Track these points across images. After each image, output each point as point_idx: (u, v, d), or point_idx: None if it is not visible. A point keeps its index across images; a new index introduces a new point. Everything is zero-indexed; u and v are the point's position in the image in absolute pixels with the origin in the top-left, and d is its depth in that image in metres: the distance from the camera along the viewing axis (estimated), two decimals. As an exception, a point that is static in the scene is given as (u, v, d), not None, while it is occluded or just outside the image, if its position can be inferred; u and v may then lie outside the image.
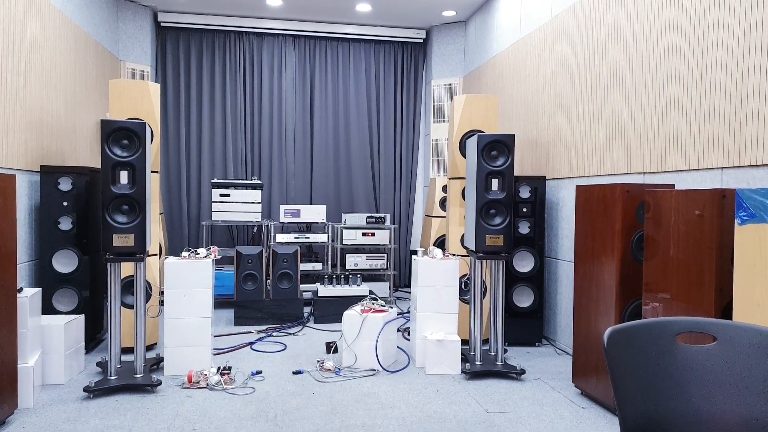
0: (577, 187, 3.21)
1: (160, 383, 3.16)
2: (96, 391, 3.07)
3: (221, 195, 5.65)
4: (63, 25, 4.38)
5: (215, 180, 5.71)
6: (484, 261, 4.02)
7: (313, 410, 2.94)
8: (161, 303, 4.02)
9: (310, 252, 6.05)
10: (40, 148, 3.99)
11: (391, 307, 3.86)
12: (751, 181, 2.55)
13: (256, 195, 5.72)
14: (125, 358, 3.74)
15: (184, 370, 3.45)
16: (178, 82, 6.36)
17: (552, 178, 4.35)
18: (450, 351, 3.58)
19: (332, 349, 3.98)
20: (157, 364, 3.56)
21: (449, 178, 4.31)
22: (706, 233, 2.28)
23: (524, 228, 4.19)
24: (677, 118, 3.02)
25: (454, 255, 4.19)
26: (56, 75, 4.26)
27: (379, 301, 3.90)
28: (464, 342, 4.19)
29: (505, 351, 4.09)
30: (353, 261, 5.76)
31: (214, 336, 4.40)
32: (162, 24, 6.18)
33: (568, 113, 4.12)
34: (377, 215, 5.89)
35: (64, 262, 3.76)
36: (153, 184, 3.99)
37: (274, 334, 4.55)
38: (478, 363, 3.57)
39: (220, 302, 5.55)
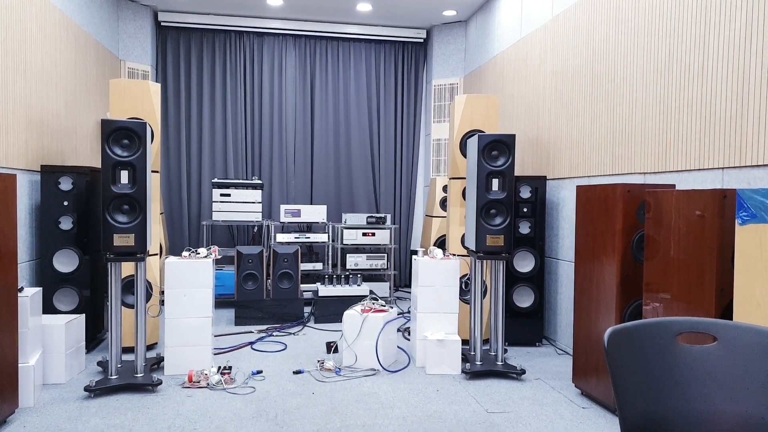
0: (578, 187, 3.21)
1: (161, 383, 3.17)
2: (97, 391, 3.07)
3: (222, 195, 5.65)
4: (63, 24, 4.38)
5: (216, 180, 5.71)
6: (485, 261, 4.01)
7: (313, 410, 2.94)
8: (162, 303, 4.02)
9: (311, 252, 6.05)
10: (41, 148, 3.99)
11: (392, 307, 3.86)
12: (752, 182, 2.55)
13: (257, 195, 5.72)
14: (126, 357, 3.75)
15: (185, 369, 3.45)
16: (178, 82, 6.36)
17: (553, 178, 4.35)
18: (450, 351, 3.58)
19: (332, 348, 3.98)
20: (157, 363, 3.56)
21: (450, 178, 4.31)
22: (707, 233, 2.28)
23: (525, 228, 4.19)
24: (678, 118, 3.02)
25: (454, 255, 4.19)
26: (57, 74, 4.27)
27: (380, 301, 3.90)
28: (464, 342, 4.19)
29: (506, 351, 4.09)
30: (353, 261, 5.76)
31: (215, 336, 4.40)
32: (162, 23, 6.18)
33: (569, 113, 4.12)
34: (377, 215, 5.89)
35: (65, 262, 3.77)
36: (153, 184, 3.99)
37: (274, 333, 4.55)
38: (479, 363, 3.57)
39: (220, 302, 5.55)
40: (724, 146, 2.70)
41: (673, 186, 2.90)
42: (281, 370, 3.59)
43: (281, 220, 5.74)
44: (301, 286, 5.48)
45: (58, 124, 4.29)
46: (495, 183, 3.49)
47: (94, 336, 4.02)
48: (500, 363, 3.57)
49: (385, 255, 5.85)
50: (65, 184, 3.78)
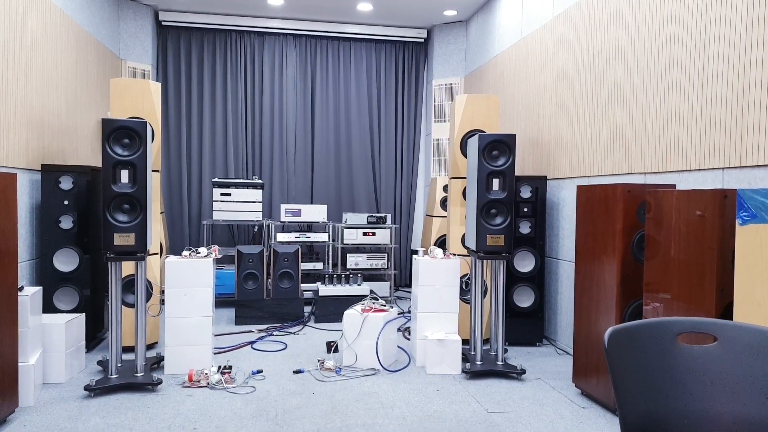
0: (578, 187, 3.21)
1: (161, 382, 3.17)
2: (97, 390, 3.07)
3: (222, 194, 5.65)
4: (64, 23, 4.38)
5: (216, 179, 5.71)
6: (485, 261, 4.01)
7: (313, 409, 2.94)
8: (162, 302, 4.02)
9: (311, 251, 6.05)
10: (41, 147, 3.99)
11: (392, 307, 3.86)
12: (752, 182, 2.54)
13: (257, 194, 5.72)
14: (126, 357, 3.75)
15: (185, 369, 3.45)
16: (179, 81, 6.36)
17: (553, 178, 4.35)
18: (450, 351, 3.58)
19: (333, 348, 3.98)
20: (157, 363, 3.56)
21: (450, 178, 4.31)
22: (707, 233, 2.28)
23: (525, 228, 4.19)
24: (678, 118, 3.02)
25: (454, 255, 4.19)
26: (57, 74, 4.27)
27: (380, 300, 3.90)
28: (465, 342, 4.19)
29: (506, 351, 4.09)
30: (354, 260, 5.76)
31: (215, 335, 4.40)
32: (163, 23, 6.18)
33: (570, 113, 4.12)
34: (378, 215, 5.89)
35: (65, 261, 3.77)
36: (154, 183, 3.99)
37: (274, 333, 4.55)
38: (479, 363, 3.57)
39: (220, 301, 5.56)
40: (725, 146, 2.70)
41: (674, 186, 2.90)
42: (281, 370, 3.59)
43: (282, 220, 5.74)
44: (302, 285, 5.48)
45: (58, 124, 4.29)
46: (495, 183, 3.49)
47: (95, 335, 4.02)
48: (500, 363, 3.57)
49: (386, 255, 5.85)
50: (66, 183, 3.78)
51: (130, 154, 3.15)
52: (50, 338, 3.26)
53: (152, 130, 3.86)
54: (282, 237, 5.66)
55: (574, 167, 4.05)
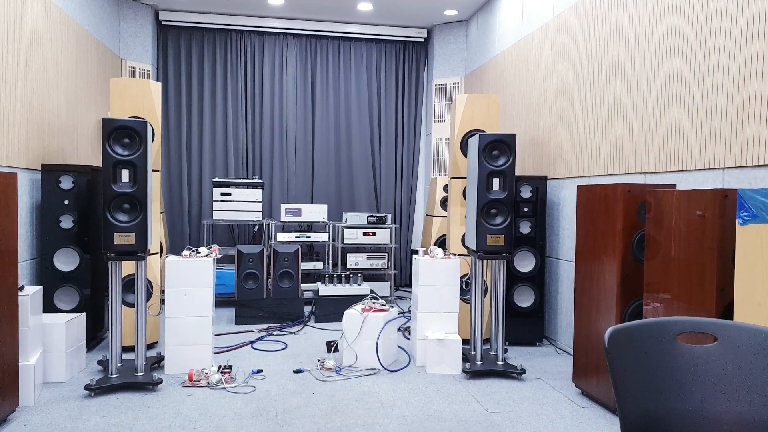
0: (579, 186, 3.21)
1: (161, 382, 3.17)
2: (97, 390, 3.07)
3: (222, 194, 5.65)
4: (64, 23, 4.38)
5: (216, 179, 5.71)
6: (485, 261, 4.01)
7: (313, 409, 2.95)
8: (162, 302, 4.02)
9: (311, 251, 6.05)
10: (42, 147, 4.00)
11: (392, 307, 3.86)
12: (752, 182, 2.54)
13: (257, 194, 5.72)
14: (126, 356, 3.75)
15: (185, 368, 3.45)
16: (179, 81, 6.36)
17: (553, 177, 4.35)
18: (450, 350, 3.58)
19: (333, 348, 3.98)
20: (158, 362, 3.56)
21: (450, 178, 4.31)
22: (708, 233, 2.28)
23: (525, 228, 4.19)
24: (679, 118, 3.02)
25: (454, 254, 4.19)
26: (57, 73, 4.27)
27: (380, 300, 3.91)
28: (465, 341, 4.19)
29: (506, 351, 4.09)
30: (354, 260, 5.76)
31: (215, 335, 4.40)
32: (163, 22, 6.18)
33: (570, 113, 4.12)
34: (378, 214, 5.89)
35: (66, 261, 3.77)
36: (154, 183, 3.99)
37: (274, 333, 4.55)
38: (479, 362, 3.57)
39: (220, 301, 5.56)
40: (725, 146, 2.70)
41: (674, 186, 2.89)
42: (281, 370, 3.59)
43: (282, 220, 5.74)
44: (302, 285, 5.48)
45: (59, 123, 4.29)
46: (496, 183, 3.49)
47: (95, 335, 4.02)
48: (500, 362, 3.57)
49: (386, 254, 5.85)
50: (66, 182, 3.78)
51: (131, 153, 3.15)
52: (50, 338, 3.26)
53: (152, 129, 3.86)
54: (282, 237, 5.66)
55: (575, 167, 4.05)
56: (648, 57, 3.27)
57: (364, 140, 6.74)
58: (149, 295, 3.83)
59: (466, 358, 3.71)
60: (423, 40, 6.78)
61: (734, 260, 2.11)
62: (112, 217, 3.11)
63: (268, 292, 5.09)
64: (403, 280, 6.95)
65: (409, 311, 5.40)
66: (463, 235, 4.19)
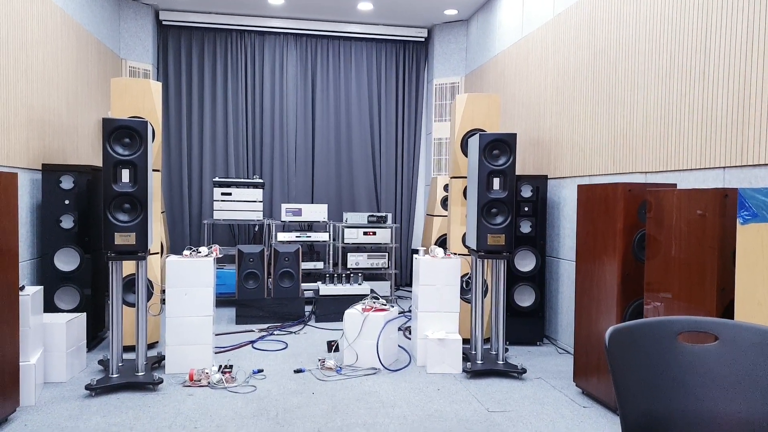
0: (579, 186, 3.21)
1: (162, 381, 3.17)
2: (98, 389, 3.07)
3: (223, 194, 5.65)
4: (64, 23, 4.38)
5: (217, 179, 5.72)
6: (486, 260, 4.01)
7: (314, 409, 2.95)
8: (163, 301, 4.02)
9: (312, 251, 6.05)
10: (42, 147, 4.00)
11: (392, 306, 3.86)
12: (753, 181, 2.54)
13: (258, 194, 5.72)
14: (127, 356, 3.75)
15: (186, 368, 3.45)
16: (179, 81, 6.36)
17: (554, 177, 4.35)
18: (451, 350, 3.58)
19: (333, 347, 3.98)
20: (158, 362, 3.56)
21: (451, 177, 4.31)
22: (708, 233, 2.27)
23: (526, 227, 4.19)
24: (679, 117, 3.02)
25: (455, 254, 4.19)
26: (58, 73, 4.27)
27: (380, 300, 3.90)
28: (465, 341, 4.19)
29: (507, 350, 4.09)
30: (354, 260, 5.76)
31: (216, 334, 4.40)
32: (164, 22, 6.18)
33: (570, 112, 4.12)
34: (378, 214, 5.89)
35: (66, 261, 3.77)
36: (155, 183, 3.99)
37: (275, 332, 4.56)
38: (479, 362, 3.57)
39: (221, 301, 5.56)
40: (726, 145, 2.70)
41: (675, 185, 2.89)
42: (282, 369, 3.59)
43: (282, 219, 5.74)
44: (302, 285, 5.48)
45: (59, 123, 4.29)
46: (496, 182, 3.49)
47: (95, 335, 4.02)
48: (501, 362, 3.57)
49: (386, 254, 5.85)
50: (66, 182, 3.78)
51: (131, 153, 3.15)
52: (51, 338, 3.26)
53: (153, 129, 3.86)
54: (283, 236, 5.66)
55: (575, 166, 4.05)
56: (648, 56, 3.27)
57: (365, 140, 6.74)
58: (150, 295, 3.84)
59: (466, 357, 3.71)
60: (423, 39, 6.78)
61: (735, 259, 2.11)
62: (112, 216, 3.11)
63: (269, 292, 5.09)
64: (403, 279, 6.95)
65: (410, 311, 5.40)
66: (464, 235, 4.18)
